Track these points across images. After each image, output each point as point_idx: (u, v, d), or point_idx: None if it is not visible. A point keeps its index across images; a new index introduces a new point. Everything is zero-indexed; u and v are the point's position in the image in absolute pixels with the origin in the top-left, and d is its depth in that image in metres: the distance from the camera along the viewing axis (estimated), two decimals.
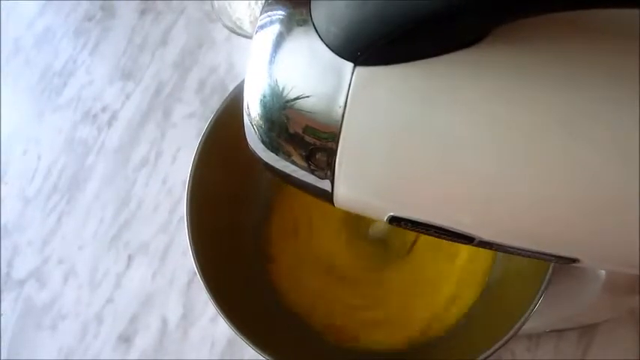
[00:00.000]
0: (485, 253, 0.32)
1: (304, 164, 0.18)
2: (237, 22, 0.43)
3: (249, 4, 0.42)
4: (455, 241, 0.19)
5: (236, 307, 0.28)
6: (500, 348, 0.26)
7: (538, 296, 0.26)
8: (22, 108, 0.46)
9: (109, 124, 0.44)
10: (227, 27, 0.45)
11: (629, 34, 0.16)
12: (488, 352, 0.26)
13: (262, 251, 0.34)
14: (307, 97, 0.17)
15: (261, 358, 0.26)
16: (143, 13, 0.48)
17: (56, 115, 0.45)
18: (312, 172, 0.18)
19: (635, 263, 0.18)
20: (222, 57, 0.46)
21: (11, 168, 0.44)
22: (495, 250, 0.19)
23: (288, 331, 0.32)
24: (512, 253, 0.19)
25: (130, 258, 0.40)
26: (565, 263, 0.19)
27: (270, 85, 0.17)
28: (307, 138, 0.17)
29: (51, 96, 0.46)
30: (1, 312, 0.39)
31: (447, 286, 0.33)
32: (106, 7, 0.49)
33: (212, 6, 0.45)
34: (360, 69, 0.16)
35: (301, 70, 0.17)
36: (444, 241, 0.19)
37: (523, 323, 0.26)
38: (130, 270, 0.40)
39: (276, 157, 0.18)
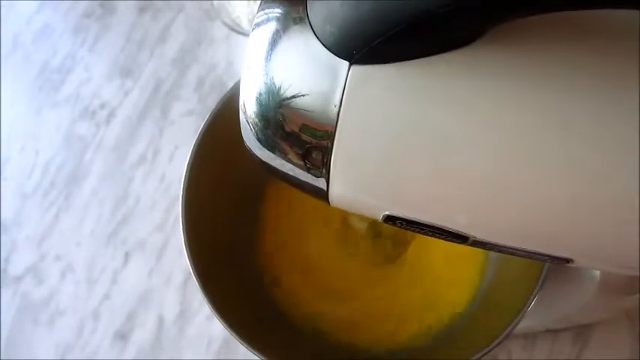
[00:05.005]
0: (478, 252, 0.32)
1: (300, 162, 0.18)
2: (236, 20, 0.44)
3: (248, 3, 0.42)
4: (449, 241, 0.19)
5: (231, 306, 0.28)
6: (495, 347, 0.26)
7: (532, 296, 0.26)
8: (20, 104, 0.46)
9: (108, 121, 0.44)
10: (226, 25, 0.45)
11: (627, 33, 0.16)
12: (484, 352, 0.26)
13: (258, 250, 0.34)
14: (303, 95, 0.17)
15: (257, 358, 0.26)
16: (142, 10, 0.48)
17: (54, 112, 0.45)
18: (308, 170, 0.18)
19: (630, 264, 0.18)
20: (221, 55, 0.46)
21: (9, 164, 0.44)
22: (490, 249, 0.19)
23: (283, 332, 0.32)
24: (506, 252, 0.19)
25: (127, 255, 0.40)
26: (559, 263, 0.19)
27: (266, 83, 0.17)
28: (303, 136, 0.17)
29: (49, 92, 0.46)
30: None
31: (442, 285, 0.33)
32: (105, 5, 0.49)
33: (211, 4, 0.45)
34: (355, 67, 0.16)
35: (297, 68, 0.17)
36: (439, 240, 0.19)
37: (517, 322, 0.26)
38: (127, 267, 0.40)
39: (272, 155, 0.18)
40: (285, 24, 0.17)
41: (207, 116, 0.30)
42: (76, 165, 0.43)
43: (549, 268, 0.26)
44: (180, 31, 0.47)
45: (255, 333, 0.27)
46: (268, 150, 0.18)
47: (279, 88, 0.17)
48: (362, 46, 0.15)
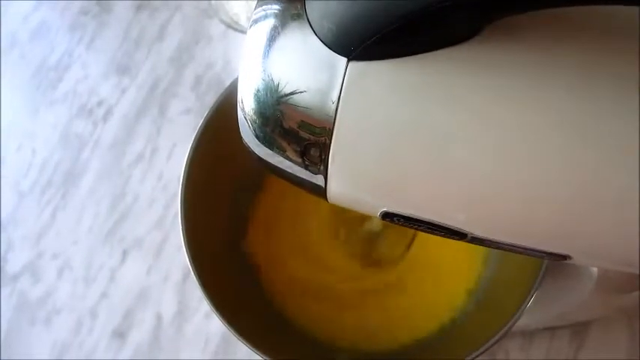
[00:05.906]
0: (476, 249, 0.32)
1: (298, 159, 0.18)
2: (234, 18, 0.43)
3: (246, 1, 0.42)
4: (447, 237, 0.19)
5: (230, 304, 0.28)
6: (492, 346, 0.26)
7: (530, 294, 0.26)
8: (17, 102, 0.46)
9: (105, 119, 0.44)
10: (224, 22, 0.45)
11: (628, 31, 0.16)
12: (482, 350, 0.26)
13: (256, 247, 0.34)
14: (301, 92, 0.17)
15: (256, 356, 0.26)
16: (139, 8, 0.48)
17: (51, 110, 0.45)
18: (306, 167, 0.18)
19: (628, 261, 0.18)
20: (218, 53, 0.45)
21: (6, 162, 0.44)
22: (488, 246, 0.19)
23: (282, 330, 0.32)
24: (504, 249, 0.19)
25: (124, 253, 0.40)
26: (557, 260, 0.19)
27: (264, 80, 0.17)
28: (301, 133, 0.17)
29: (46, 90, 0.46)
30: None
31: (440, 284, 0.33)
32: (102, 3, 0.48)
33: (209, 3, 0.45)
34: (353, 64, 0.16)
35: (295, 64, 0.17)
36: (437, 237, 0.19)
37: (515, 321, 0.26)
38: (125, 265, 0.40)
39: (270, 152, 0.18)
40: (283, 20, 0.17)
41: (205, 114, 0.30)
42: (73, 163, 0.43)
43: (547, 265, 0.26)
44: (177, 29, 0.47)
45: (254, 330, 0.27)
46: (266, 147, 0.18)
47: (277, 84, 0.17)
48: (360, 42, 0.15)
